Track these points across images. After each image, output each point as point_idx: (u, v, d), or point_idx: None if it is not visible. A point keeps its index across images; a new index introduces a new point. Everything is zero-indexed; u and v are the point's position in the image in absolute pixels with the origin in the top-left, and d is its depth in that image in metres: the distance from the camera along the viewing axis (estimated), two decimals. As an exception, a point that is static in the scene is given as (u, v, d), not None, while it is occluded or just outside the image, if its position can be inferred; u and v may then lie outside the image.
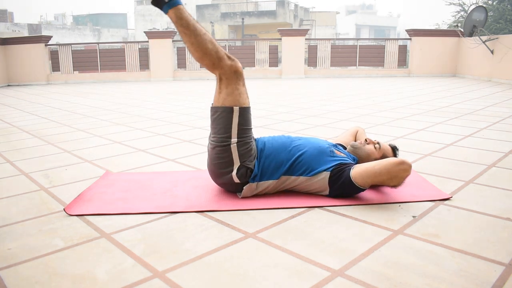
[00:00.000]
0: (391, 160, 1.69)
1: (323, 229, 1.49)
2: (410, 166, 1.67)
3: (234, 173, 1.75)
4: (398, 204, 1.70)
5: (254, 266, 1.25)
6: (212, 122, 1.79)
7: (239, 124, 1.73)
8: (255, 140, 1.90)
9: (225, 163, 1.75)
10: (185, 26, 1.67)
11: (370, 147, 1.96)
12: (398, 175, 1.67)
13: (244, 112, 1.74)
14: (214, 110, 1.77)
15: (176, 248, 1.37)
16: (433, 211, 1.63)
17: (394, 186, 1.74)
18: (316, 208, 1.68)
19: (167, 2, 1.66)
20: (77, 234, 1.48)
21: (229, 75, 1.72)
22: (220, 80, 1.74)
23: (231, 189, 1.82)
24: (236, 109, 1.72)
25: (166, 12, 1.69)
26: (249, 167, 1.75)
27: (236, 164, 1.74)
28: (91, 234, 1.49)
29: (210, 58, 1.70)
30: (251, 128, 1.80)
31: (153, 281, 1.18)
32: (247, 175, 1.76)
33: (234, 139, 1.73)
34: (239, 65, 1.75)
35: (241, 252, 1.34)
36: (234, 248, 1.36)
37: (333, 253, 1.31)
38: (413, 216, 1.58)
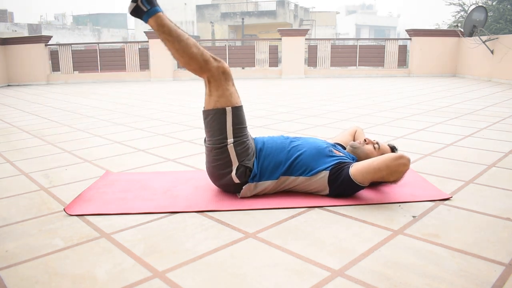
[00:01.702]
0: (389, 155, 1.70)
1: (323, 229, 1.49)
2: (408, 160, 1.69)
3: (233, 173, 1.75)
4: (398, 204, 1.70)
5: (254, 266, 1.25)
6: (206, 125, 1.78)
7: (234, 124, 1.73)
8: (253, 139, 1.90)
9: (224, 164, 1.75)
10: (167, 33, 1.67)
11: (369, 147, 1.96)
12: (397, 170, 1.68)
13: (237, 112, 1.74)
14: (207, 113, 1.76)
15: (176, 248, 1.37)
16: (433, 211, 1.63)
17: (394, 182, 1.75)
18: (316, 208, 1.68)
19: (146, 11, 1.65)
20: (77, 234, 1.48)
21: (217, 77, 1.71)
22: (209, 82, 1.73)
23: (231, 190, 1.82)
24: (229, 110, 1.72)
25: (146, 21, 1.68)
26: (248, 166, 1.76)
27: (235, 164, 1.75)
28: (91, 234, 1.49)
29: (197, 62, 1.70)
30: (245, 127, 1.79)
31: (153, 281, 1.18)
32: (246, 174, 1.76)
33: (230, 139, 1.73)
34: (226, 65, 1.74)
35: (241, 252, 1.34)
36: (234, 248, 1.36)
37: (333, 253, 1.31)
38: (413, 216, 1.58)
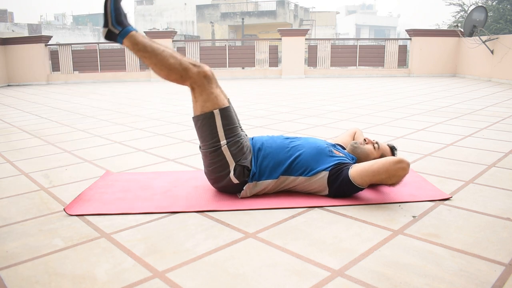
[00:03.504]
0: (389, 159, 1.70)
1: (323, 229, 1.49)
2: (408, 165, 1.68)
3: (231, 174, 1.75)
4: (398, 204, 1.70)
5: (254, 266, 1.25)
6: (197, 131, 1.80)
7: (224, 126, 1.74)
8: (249, 137, 1.91)
9: (221, 167, 1.76)
10: (142, 50, 1.70)
11: (369, 146, 1.96)
12: (396, 174, 1.68)
13: (225, 113, 1.75)
14: (196, 119, 1.78)
15: (176, 248, 1.37)
16: (433, 211, 1.63)
17: (392, 185, 1.75)
18: (316, 208, 1.68)
19: (119, 33, 1.70)
20: (77, 234, 1.48)
21: (200, 83, 1.72)
22: (193, 89, 1.75)
23: (231, 191, 1.82)
24: (216, 112, 1.73)
25: (121, 43, 1.72)
26: (245, 165, 1.76)
27: (232, 164, 1.75)
28: (91, 234, 1.49)
29: (176, 72, 1.71)
30: (237, 126, 1.80)
31: (153, 281, 1.18)
32: (244, 174, 1.76)
33: (223, 141, 1.74)
34: (207, 68, 1.74)
35: (241, 252, 1.34)
36: (234, 248, 1.36)
37: (333, 253, 1.31)
38: (413, 216, 1.58)
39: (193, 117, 1.80)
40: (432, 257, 1.27)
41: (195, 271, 1.23)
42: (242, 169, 1.75)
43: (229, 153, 1.74)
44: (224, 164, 1.75)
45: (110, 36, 1.72)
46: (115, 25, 1.70)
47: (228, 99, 1.87)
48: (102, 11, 1.74)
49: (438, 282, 1.14)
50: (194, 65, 1.72)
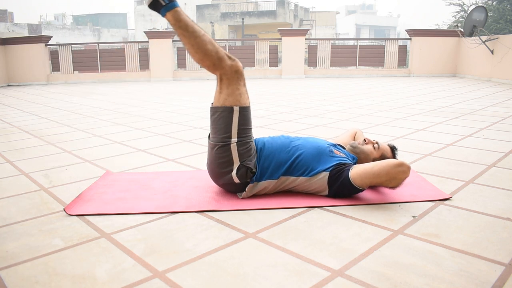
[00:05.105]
0: (390, 161, 1.69)
1: (323, 229, 1.49)
2: (409, 168, 1.67)
3: (234, 173, 1.75)
4: (398, 204, 1.70)
5: (254, 266, 1.25)
6: (212, 122, 1.78)
7: (239, 124, 1.73)
8: (255, 140, 1.90)
9: (225, 163, 1.75)
10: (183, 28, 1.66)
11: (369, 147, 1.95)
12: (396, 177, 1.67)
13: (245, 112, 1.74)
14: (214, 110, 1.76)
15: (176, 248, 1.37)
16: (433, 211, 1.63)
17: (393, 188, 1.74)
18: (316, 208, 1.68)
19: (164, 5, 1.64)
20: (77, 234, 1.48)
21: (230, 75, 1.71)
22: (221, 80, 1.73)
23: (232, 190, 1.82)
24: (236, 109, 1.72)
25: (163, 15, 1.67)
26: (248, 167, 1.75)
27: (236, 163, 1.74)
28: (91, 234, 1.49)
29: (211, 59, 1.69)
30: (251, 128, 1.79)
31: (153, 281, 1.18)
32: (247, 175, 1.76)
33: (234, 139, 1.73)
34: (240, 64, 1.74)
35: (241, 252, 1.34)
36: (234, 248, 1.36)
37: (333, 253, 1.31)
38: (413, 216, 1.58)
39: (211, 107, 1.78)
40: (432, 257, 1.27)
41: (195, 271, 1.23)
42: (245, 170, 1.75)
43: (236, 151, 1.74)
44: (228, 161, 1.75)
45: (155, 5, 1.65)
46: None
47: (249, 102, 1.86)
48: None
49: (438, 282, 1.14)
50: (229, 57, 1.72)
